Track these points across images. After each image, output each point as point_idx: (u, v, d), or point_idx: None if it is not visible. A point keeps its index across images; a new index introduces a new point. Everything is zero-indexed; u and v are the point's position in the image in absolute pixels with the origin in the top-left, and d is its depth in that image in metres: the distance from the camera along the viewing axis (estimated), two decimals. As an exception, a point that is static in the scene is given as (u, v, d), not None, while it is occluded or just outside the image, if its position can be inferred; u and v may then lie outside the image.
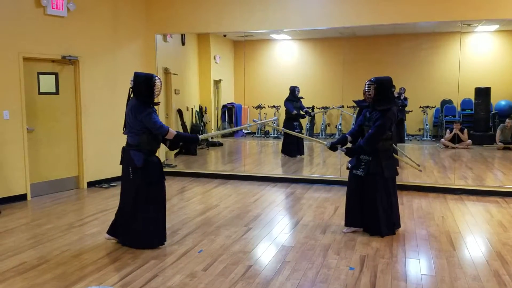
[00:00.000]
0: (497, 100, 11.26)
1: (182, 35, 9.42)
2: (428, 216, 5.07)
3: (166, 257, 3.76)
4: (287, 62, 12.62)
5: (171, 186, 6.75)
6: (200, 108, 10.95)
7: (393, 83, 4.41)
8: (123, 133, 4.09)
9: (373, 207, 4.28)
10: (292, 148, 8.98)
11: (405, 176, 7.37)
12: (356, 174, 4.36)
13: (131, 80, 3.98)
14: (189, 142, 4.01)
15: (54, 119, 6.29)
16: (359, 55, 12.50)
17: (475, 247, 4.09)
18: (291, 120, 9.12)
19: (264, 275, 3.40)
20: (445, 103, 11.74)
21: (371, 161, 4.25)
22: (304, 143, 9.56)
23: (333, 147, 4.49)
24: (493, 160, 8.63)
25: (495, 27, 11.18)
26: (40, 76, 6.12)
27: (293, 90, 9.25)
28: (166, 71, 8.45)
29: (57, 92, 6.32)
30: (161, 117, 7.87)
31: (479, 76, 11.18)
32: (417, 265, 3.62)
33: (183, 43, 9.62)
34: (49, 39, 6.10)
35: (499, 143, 9.84)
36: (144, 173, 3.95)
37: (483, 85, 10.50)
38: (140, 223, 3.90)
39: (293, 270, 3.49)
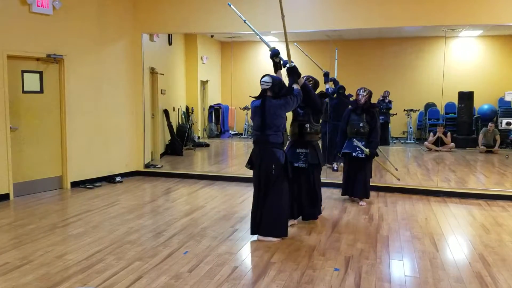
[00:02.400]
0: (480, 104, 11.46)
1: (169, 35, 9.38)
2: (411, 218, 5.14)
3: (151, 258, 3.74)
4: (271, 64, 12.66)
5: (157, 187, 6.71)
6: (187, 108, 10.92)
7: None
8: (256, 135, 4.28)
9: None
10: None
11: (389, 178, 7.45)
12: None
13: (266, 82, 4.48)
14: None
15: (38, 118, 6.21)
16: (345, 58, 12.61)
17: (458, 248, 4.16)
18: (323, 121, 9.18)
19: (250, 276, 3.40)
20: (429, 106, 11.91)
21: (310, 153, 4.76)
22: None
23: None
24: (476, 163, 8.78)
25: (479, 32, 11.39)
26: (25, 74, 6.03)
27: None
28: (153, 71, 8.40)
29: (41, 91, 6.23)
30: (147, 118, 7.84)
31: (462, 80, 11.38)
32: (401, 266, 3.66)
33: (170, 43, 9.58)
34: (34, 37, 6.01)
35: (482, 147, 10.02)
36: (285, 168, 4.21)
37: (466, 89, 10.68)
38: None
39: (279, 271, 3.50)
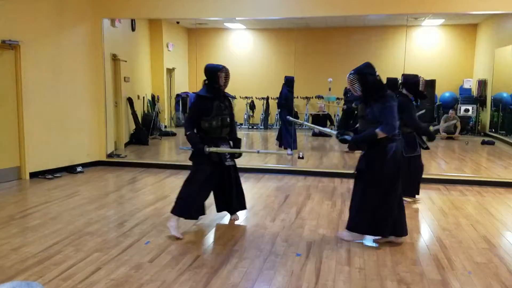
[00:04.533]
0: (442, 92, 11.82)
1: (132, 20, 9.13)
2: (373, 203, 5.24)
3: (111, 249, 3.66)
4: (241, 52, 12.60)
5: (120, 177, 6.57)
6: (153, 96, 10.71)
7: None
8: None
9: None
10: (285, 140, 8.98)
11: (353, 164, 7.58)
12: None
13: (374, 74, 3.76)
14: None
15: (-8, 107, 5.94)
16: (311, 46, 12.69)
17: (416, 232, 4.28)
18: (288, 110, 9.06)
19: (212, 264, 3.39)
20: (394, 94, 12.19)
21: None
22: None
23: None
24: (437, 149, 9.04)
25: (440, 21, 11.67)
26: (-24, 60, 5.74)
27: (290, 80, 9.12)
28: (115, 58, 8.16)
29: (-5, 78, 5.95)
30: (109, 106, 7.64)
31: (424, 69, 11.64)
32: (361, 250, 3.74)
33: (133, 29, 9.33)
34: (-15, 21, 5.72)
35: (443, 133, 10.35)
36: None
37: (428, 77, 10.88)
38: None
39: (241, 259, 3.50)
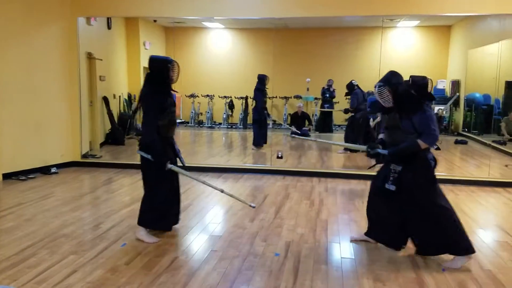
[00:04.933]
0: (416, 92, 12.04)
1: (108, 18, 8.98)
2: (349, 202, 5.32)
3: (86, 252, 3.60)
4: (220, 51, 12.55)
5: (95, 178, 6.46)
6: (129, 95, 10.56)
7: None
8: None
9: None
10: (264, 137, 9.08)
11: (331, 164, 7.68)
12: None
13: None
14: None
15: (-39, 106, 5.74)
16: (290, 46, 12.76)
17: (391, 230, 4.36)
18: (261, 108, 9.13)
19: (190, 266, 3.37)
20: (369, 95, 12.34)
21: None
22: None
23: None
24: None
25: (415, 22, 11.90)
26: None
27: (263, 79, 9.13)
28: (90, 56, 8.02)
29: (-36, 76, 5.76)
30: (84, 105, 7.51)
31: (399, 69, 11.70)
32: (338, 249, 3.79)
33: (109, 27, 9.18)
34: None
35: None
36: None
37: (403, 78, 11.14)
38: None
39: (220, 259, 3.49)
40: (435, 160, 3.55)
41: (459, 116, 10.85)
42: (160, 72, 3.72)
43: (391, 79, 3.49)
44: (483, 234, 4.25)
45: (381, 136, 3.82)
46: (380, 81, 3.53)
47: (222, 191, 3.86)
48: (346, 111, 9.44)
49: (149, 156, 3.73)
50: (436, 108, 6.47)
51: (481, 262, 3.54)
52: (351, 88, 9.12)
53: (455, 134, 10.69)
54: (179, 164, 4.11)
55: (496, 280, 3.21)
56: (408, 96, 3.46)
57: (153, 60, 3.80)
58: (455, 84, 11.02)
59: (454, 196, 5.69)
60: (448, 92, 11.26)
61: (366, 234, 3.93)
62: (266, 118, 9.24)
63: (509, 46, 8.94)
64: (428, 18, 11.22)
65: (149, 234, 3.91)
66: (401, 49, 12.58)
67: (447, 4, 6.38)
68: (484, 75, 7.67)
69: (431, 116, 3.44)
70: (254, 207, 3.92)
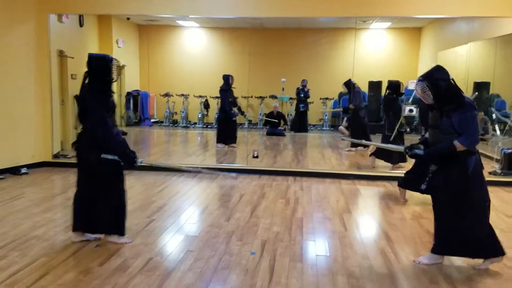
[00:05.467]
0: (387, 92, 12.30)
1: (80, 15, 8.79)
2: (324, 200, 5.40)
3: (58, 254, 3.52)
4: (195, 50, 12.48)
5: (67, 179, 6.31)
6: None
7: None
8: None
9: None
10: (228, 135, 9.03)
11: (306, 163, 7.76)
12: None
13: None
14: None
15: None
16: (265, 46, 12.80)
17: (364, 227, 4.45)
18: (228, 109, 9.11)
19: (165, 266, 3.35)
20: (342, 95, 12.53)
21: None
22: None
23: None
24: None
25: (387, 24, 12.15)
26: None
27: (228, 78, 9.08)
28: (61, 54, 7.83)
29: None
30: (55, 104, 7.34)
31: (372, 70, 12.10)
32: (313, 247, 3.84)
33: (81, 25, 8.98)
34: None
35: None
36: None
37: (375, 78, 11.39)
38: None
39: (196, 259, 3.48)
40: (479, 165, 3.33)
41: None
42: (101, 71, 3.54)
43: (433, 74, 3.27)
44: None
45: (426, 135, 3.62)
46: (421, 75, 3.31)
47: (200, 171, 3.87)
48: (345, 110, 9.32)
49: (115, 158, 3.58)
50: (407, 108, 6.63)
51: (451, 258, 3.64)
52: (350, 87, 8.99)
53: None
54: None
55: (468, 275, 3.32)
56: (448, 93, 3.23)
57: (93, 58, 3.63)
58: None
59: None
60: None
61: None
62: (233, 118, 9.22)
63: (477, 48, 9.25)
64: (399, 20, 11.47)
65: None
66: (374, 50, 12.83)
67: (418, 6, 6.54)
68: (453, 76, 7.84)
69: (472, 116, 3.22)
70: (236, 177, 3.91)
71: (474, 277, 3.29)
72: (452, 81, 3.26)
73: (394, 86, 6.94)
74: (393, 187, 6.20)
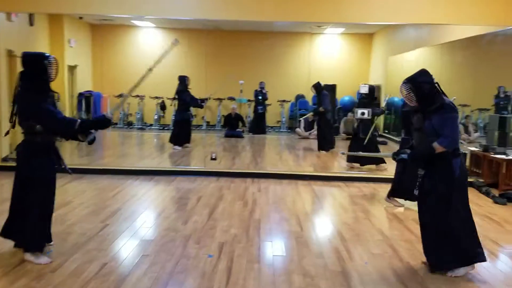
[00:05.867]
0: (342, 96, 12.69)
1: (30, 14, 8.45)
2: (281, 201, 5.49)
3: (9, 260, 3.38)
4: (150, 50, 12.31)
5: (17, 183, 6.05)
6: (53, 94, 10.00)
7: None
8: None
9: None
10: (182, 137, 9.01)
11: (264, 165, 7.85)
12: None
13: None
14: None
15: None
16: (223, 49, 12.83)
17: (319, 227, 4.58)
18: (185, 110, 9.08)
19: (120, 271, 3.29)
20: (299, 97, 12.81)
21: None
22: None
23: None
24: (338, 149, 9.64)
25: (341, 29, 12.53)
26: None
27: (184, 79, 9.00)
28: (11, 54, 7.51)
29: None
30: (4, 106, 7.01)
31: (326, 74, 12.41)
32: (270, 247, 3.90)
33: (31, 24, 8.65)
34: None
35: (343, 134, 11.12)
36: None
37: (330, 82, 11.69)
38: None
39: (152, 264, 3.45)
40: (464, 169, 3.39)
41: (380, 118, 11.57)
42: (36, 70, 3.33)
43: (416, 77, 3.34)
44: (402, 229, 4.58)
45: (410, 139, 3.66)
46: (406, 78, 3.37)
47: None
48: (316, 113, 9.35)
49: (92, 136, 3.44)
50: (359, 112, 6.87)
51: (401, 255, 3.82)
52: (320, 89, 9.06)
53: (377, 135, 11.37)
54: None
55: (413, 271, 3.50)
56: (431, 95, 3.29)
57: (27, 56, 3.42)
58: (377, 89, 11.74)
59: (376, 194, 6.05)
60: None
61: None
62: (190, 118, 9.25)
63: (424, 54, 9.74)
64: (352, 26, 11.86)
65: (40, 255, 3.42)
66: (328, 54, 13.18)
67: (369, 13, 6.80)
68: (402, 80, 8.21)
69: (452, 118, 3.27)
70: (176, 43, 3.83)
71: (422, 273, 3.46)
72: (436, 85, 3.33)
73: (369, 90, 7.13)
74: (347, 187, 6.41)
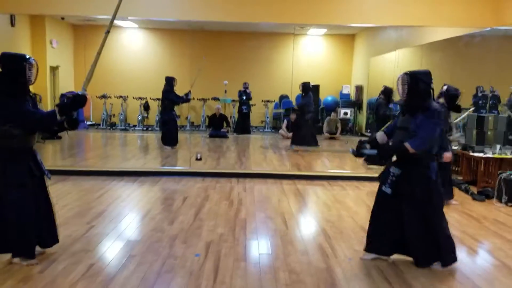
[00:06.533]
0: (324, 96, 12.85)
1: (11, 15, 8.34)
2: (266, 200, 5.56)
3: (-6, 263, 3.37)
4: (134, 51, 12.25)
5: None
6: (34, 96, 9.86)
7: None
8: None
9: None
10: (174, 137, 9.13)
11: (249, 165, 7.91)
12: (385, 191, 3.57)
13: None
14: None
15: None
16: (207, 49, 12.83)
17: (304, 225, 4.66)
18: (170, 110, 9.15)
19: (108, 272, 3.31)
20: (283, 98, 12.91)
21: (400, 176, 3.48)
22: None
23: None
24: (321, 148, 9.78)
25: (323, 31, 12.67)
26: None
27: (171, 80, 9.04)
28: (-10, 55, 7.39)
29: None
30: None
31: (310, 74, 12.52)
32: (256, 246, 3.97)
33: (12, 24, 8.54)
34: None
35: (326, 134, 11.27)
36: None
37: (313, 82, 11.79)
38: None
39: (139, 264, 3.48)
40: (438, 174, 3.46)
41: (363, 118, 11.74)
42: (13, 71, 3.23)
43: (417, 74, 3.39)
44: (383, 225, 4.69)
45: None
46: (408, 71, 3.42)
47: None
48: (294, 110, 9.82)
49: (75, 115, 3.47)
50: (342, 111, 6.99)
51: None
52: (308, 90, 9.34)
53: (359, 134, 11.56)
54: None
55: (395, 266, 3.60)
56: (422, 95, 3.35)
57: (5, 56, 3.30)
58: (359, 89, 11.93)
59: (358, 192, 6.19)
60: (352, 96, 12.17)
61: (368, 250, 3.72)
62: (175, 119, 9.29)
63: (404, 55, 9.93)
64: (334, 27, 12.00)
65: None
66: (311, 55, 13.31)
67: (350, 15, 6.93)
68: (384, 81, 8.46)
69: (432, 123, 3.31)
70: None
71: (405, 269, 3.57)
72: (431, 89, 3.40)
73: (388, 92, 7.55)
74: (330, 185, 6.52)
